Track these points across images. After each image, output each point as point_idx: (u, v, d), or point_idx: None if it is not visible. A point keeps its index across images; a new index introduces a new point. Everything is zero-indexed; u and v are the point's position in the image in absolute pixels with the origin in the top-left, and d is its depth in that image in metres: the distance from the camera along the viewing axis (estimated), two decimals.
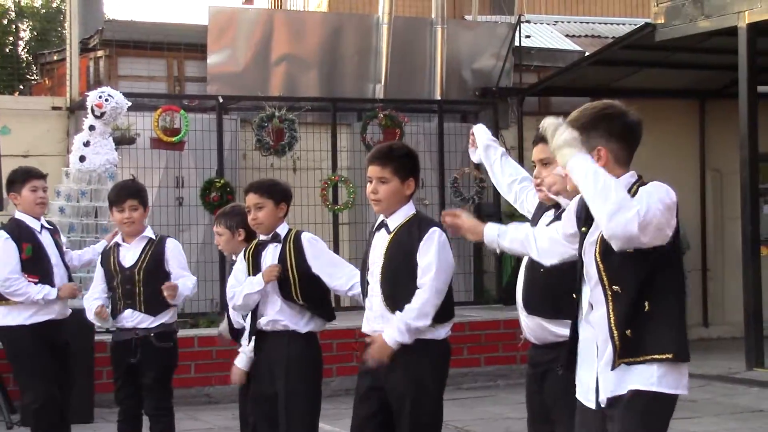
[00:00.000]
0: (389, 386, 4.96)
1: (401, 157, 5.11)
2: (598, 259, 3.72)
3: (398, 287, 4.96)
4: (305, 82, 14.29)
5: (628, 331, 3.66)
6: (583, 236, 3.84)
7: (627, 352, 3.66)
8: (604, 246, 3.67)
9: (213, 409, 9.38)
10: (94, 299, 6.59)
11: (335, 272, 5.69)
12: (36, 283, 6.66)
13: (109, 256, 6.63)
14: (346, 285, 5.64)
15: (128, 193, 6.60)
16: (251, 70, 14.03)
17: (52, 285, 6.73)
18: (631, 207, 3.50)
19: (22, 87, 18.64)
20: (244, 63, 14.05)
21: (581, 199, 3.80)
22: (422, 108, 14.54)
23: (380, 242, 5.07)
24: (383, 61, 14.42)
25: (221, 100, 12.92)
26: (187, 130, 12.14)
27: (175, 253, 6.58)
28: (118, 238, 6.68)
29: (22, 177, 6.84)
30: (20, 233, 6.72)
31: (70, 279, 7.01)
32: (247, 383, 6.18)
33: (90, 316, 6.58)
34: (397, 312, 4.90)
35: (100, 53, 14.33)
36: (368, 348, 5.02)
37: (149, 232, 6.61)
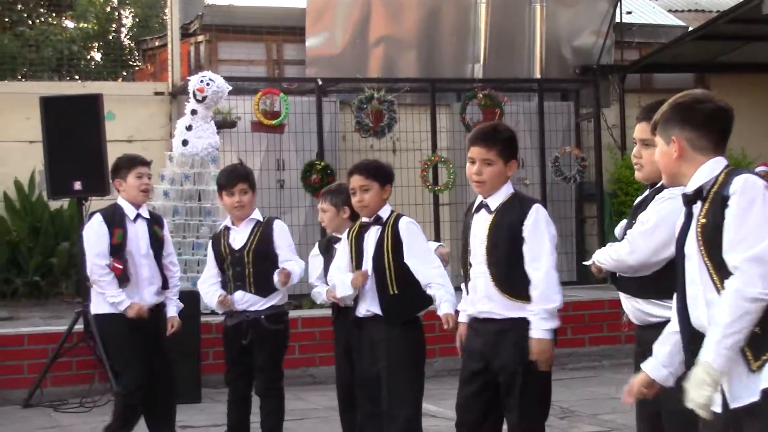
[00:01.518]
0: (498, 365, 4.93)
1: (506, 138, 5.06)
2: (706, 258, 3.54)
3: (507, 267, 4.92)
4: (404, 63, 14.27)
5: (757, 329, 3.42)
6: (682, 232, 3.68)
7: (759, 351, 3.44)
8: (708, 240, 3.51)
9: (317, 389, 9.42)
10: (209, 284, 6.65)
11: (420, 267, 5.63)
12: (122, 270, 6.63)
13: (219, 239, 6.68)
14: (424, 281, 5.61)
15: (238, 176, 6.60)
16: (349, 52, 14.05)
17: (128, 275, 6.66)
18: (749, 287, 3.37)
19: (125, 73, 18.96)
20: (343, 45, 14.08)
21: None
22: (522, 87, 14.42)
23: (481, 223, 5.03)
24: (482, 40, 14.32)
25: (320, 83, 12.97)
26: (287, 113, 12.22)
27: (282, 235, 6.56)
28: (227, 222, 6.72)
29: (128, 163, 6.82)
30: (114, 218, 6.71)
31: (164, 275, 6.86)
32: (346, 364, 6.22)
33: (211, 304, 6.66)
34: (529, 306, 4.87)
35: (200, 38, 14.50)
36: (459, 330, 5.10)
37: (257, 215, 6.61)
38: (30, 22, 19.48)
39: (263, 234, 6.55)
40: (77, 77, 18.25)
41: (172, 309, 6.89)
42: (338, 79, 13.41)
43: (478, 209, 5.07)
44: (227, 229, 6.66)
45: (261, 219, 6.61)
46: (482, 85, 13.38)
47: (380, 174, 5.81)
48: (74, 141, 9.24)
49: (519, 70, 14.57)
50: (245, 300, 6.54)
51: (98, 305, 6.76)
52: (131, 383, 6.68)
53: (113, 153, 10.25)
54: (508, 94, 13.44)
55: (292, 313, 10.21)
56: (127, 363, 6.74)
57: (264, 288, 6.53)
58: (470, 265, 5.03)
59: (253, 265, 6.53)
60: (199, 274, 10.21)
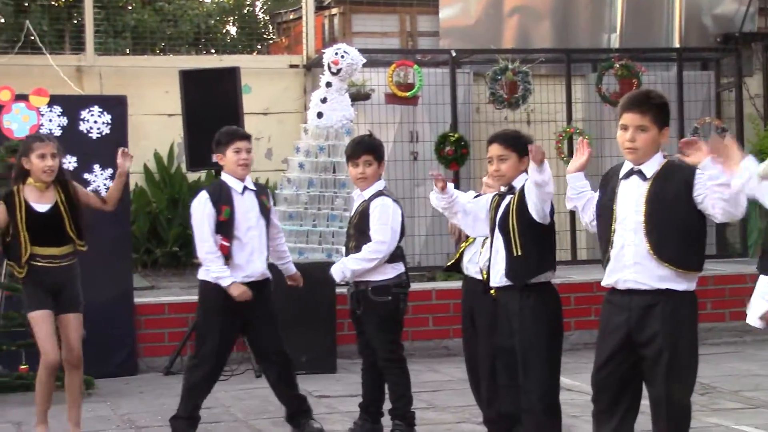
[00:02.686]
0: (644, 339, 4.82)
1: (660, 105, 4.93)
2: None
3: (665, 233, 4.81)
4: (538, 33, 14.09)
5: None
6: None
7: None
8: None
9: (451, 361, 9.41)
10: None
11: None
12: (228, 246, 6.68)
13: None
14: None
15: (364, 148, 6.64)
16: (483, 23, 13.94)
17: (232, 254, 6.71)
18: None
19: (259, 47, 19.15)
20: (476, 16, 13.97)
21: None
22: (660, 56, 14.08)
23: (634, 190, 4.89)
24: (618, 9, 14.06)
25: (454, 54, 12.90)
26: (420, 84, 12.18)
27: (375, 214, 6.52)
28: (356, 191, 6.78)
29: (226, 138, 6.84)
30: (220, 195, 6.76)
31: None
32: (473, 334, 6.21)
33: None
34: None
35: (334, 11, 14.55)
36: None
37: (370, 191, 6.59)
38: None
39: (364, 210, 6.59)
40: (213, 51, 18.52)
41: (292, 267, 7.22)
42: (472, 51, 13.31)
43: (627, 176, 4.95)
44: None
45: (366, 197, 6.60)
46: (619, 54, 13.10)
47: (519, 144, 5.75)
48: (212, 114, 9.37)
49: (657, 39, 14.25)
50: None
51: (202, 271, 6.84)
52: (206, 352, 6.72)
53: (249, 125, 10.45)
54: (645, 63, 13.14)
55: (426, 285, 10.26)
56: (208, 333, 6.79)
57: None
58: (613, 232, 4.92)
59: (354, 239, 6.64)
60: (334, 245, 10.39)
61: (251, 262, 6.75)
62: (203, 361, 6.72)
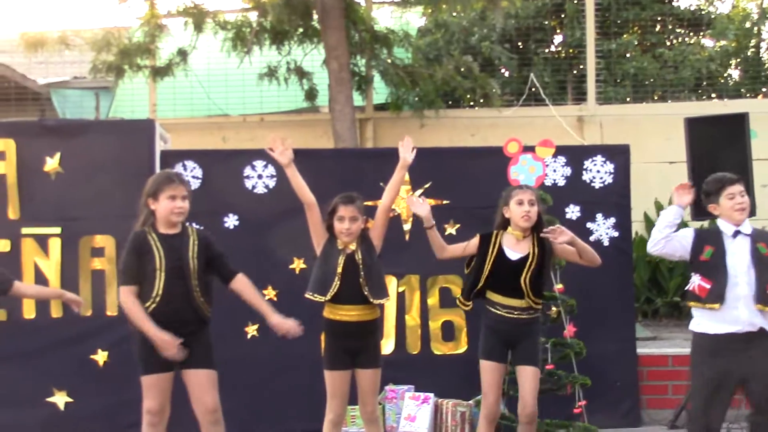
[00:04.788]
0: None
1: None
2: None
3: None
4: None
5: None
6: None
7: None
8: None
9: None
10: None
11: None
12: (709, 288, 6.40)
13: None
14: None
15: None
16: None
17: (722, 293, 6.36)
18: None
19: (765, 89, 18.51)
20: None
21: None
22: None
23: None
24: None
25: None
26: None
27: None
28: None
29: (715, 185, 6.71)
30: (708, 237, 6.61)
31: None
32: None
33: None
34: None
35: None
36: None
37: None
38: (668, 44, 19.70)
39: None
40: (713, 96, 18.11)
41: None
42: None
43: None
44: None
45: None
46: None
47: None
48: (718, 161, 9.10)
49: None
50: None
51: (693, 322, 6.59)
52: (697, 406, 6.40)
53: (757, 172, 10.07)
54: None
55: None
56: (697, 386, 6.46)
57: None
58: None
59: None
60: None
61: (735, 309, 6.40)
62: (696, 416, 6.48)
